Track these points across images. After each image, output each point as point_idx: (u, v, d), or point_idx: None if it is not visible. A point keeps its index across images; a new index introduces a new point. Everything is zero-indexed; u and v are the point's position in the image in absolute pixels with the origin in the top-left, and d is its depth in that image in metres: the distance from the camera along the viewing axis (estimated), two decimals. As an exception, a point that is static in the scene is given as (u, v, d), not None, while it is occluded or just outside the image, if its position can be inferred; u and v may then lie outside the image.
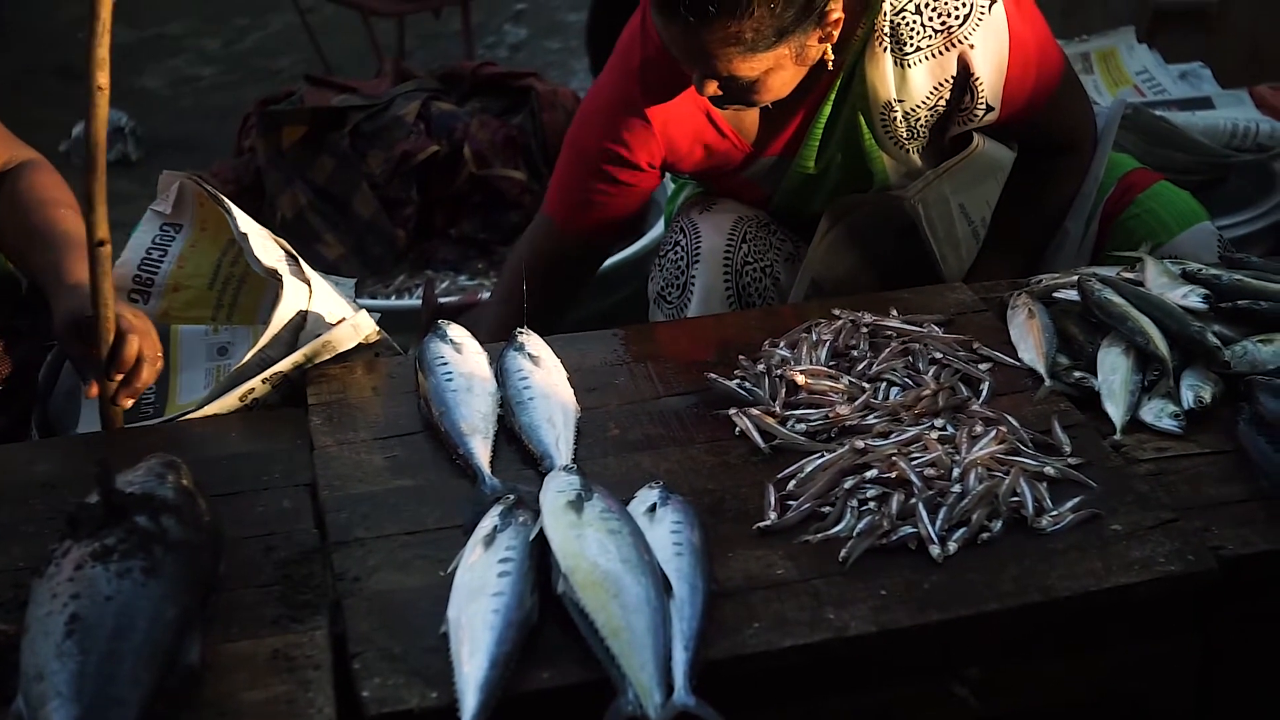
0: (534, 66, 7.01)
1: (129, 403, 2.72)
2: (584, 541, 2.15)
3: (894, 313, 2.92)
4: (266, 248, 2.85)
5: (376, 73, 5.26)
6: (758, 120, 3.15)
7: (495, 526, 2.22)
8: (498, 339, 2.87)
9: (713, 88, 2.92)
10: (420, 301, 4.12)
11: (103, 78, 2.44)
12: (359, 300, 3.31)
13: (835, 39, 2.95)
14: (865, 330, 2.85)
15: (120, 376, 2.68)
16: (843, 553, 2.26)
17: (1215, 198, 4.34)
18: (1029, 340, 2.82)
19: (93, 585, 2.01)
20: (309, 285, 2.81)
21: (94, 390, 2.70)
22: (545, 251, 3.28)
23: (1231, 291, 2.84)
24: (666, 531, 2.24)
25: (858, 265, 3.33)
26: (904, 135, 3.13)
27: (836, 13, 2.89)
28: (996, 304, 2.99)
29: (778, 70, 2.90)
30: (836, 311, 2.91)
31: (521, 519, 2.25)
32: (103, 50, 2.42)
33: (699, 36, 2.82)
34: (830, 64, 2.99)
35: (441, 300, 4.13)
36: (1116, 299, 2.81)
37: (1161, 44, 5.17)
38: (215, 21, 8.08)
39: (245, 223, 2.88)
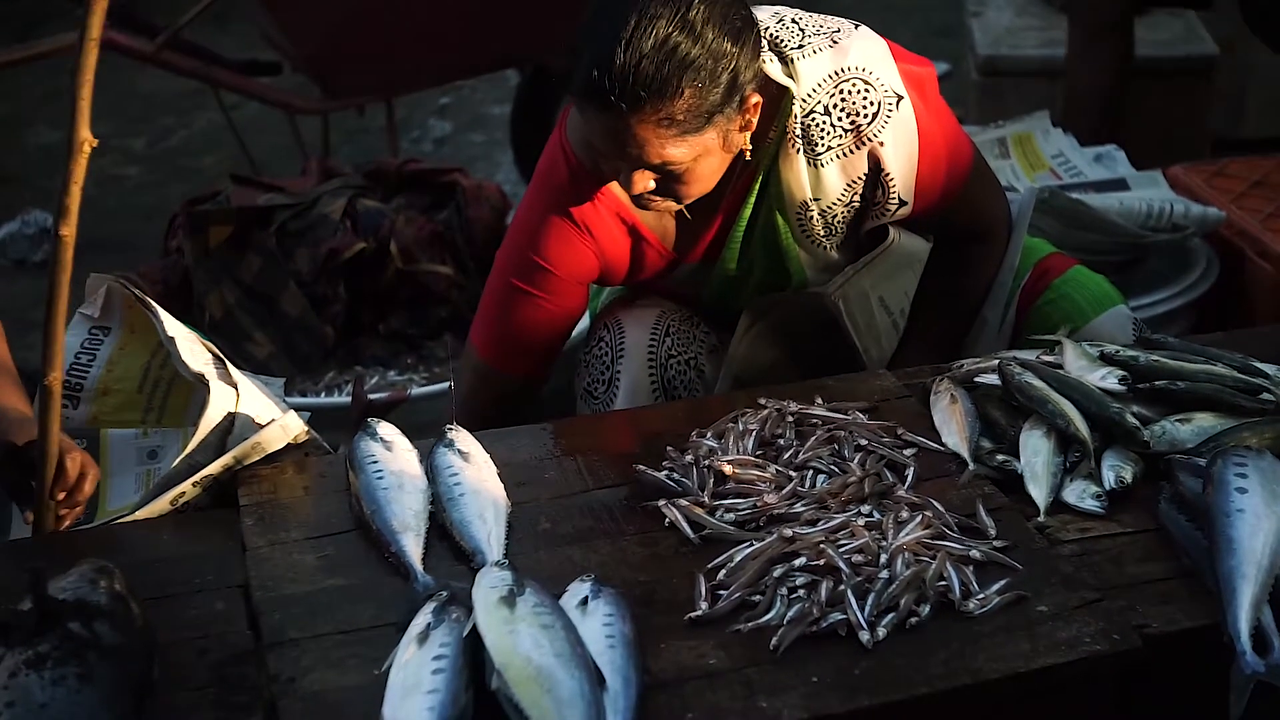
0: (459, 160, 7.03)
1: (69, 521, 2.72)
2: (517, 637, 2.16)
3: (819, 401, 2.95)
4: (194, 351, 2.86)
5: (302, 170, 5.26)
6: (678, 228, 3.18)
7: (429, 624, 2.23)
8: None
9: (644, 180, 2.92)
10: (350, 398, 4.13)
11: (66, 229, 2.47)
12: (288, 399, 3.31)
13: (754, 127, 2.98)
14: (791, 419, 2.87)
15: (63, 496, 2.67)
16: (774, 641, 2.28)
17: (1134, 278, 4.41)
18: (952, 425, 2.85)
19: (27, 693, 2.02)
20: (236, 389, 2.82)
21: (30, 518, 2.69)
22: (487, 399, 3.25)
23: (1149, 372, 2.89)
24: (599, 624, 2.25)
25: (779, 360, 3.35)
26: (821, 233, 3.16)
27: (755, 97, 2.93)
28: (919, 390, 3.02)
29: (706, 156, 2.92)
30: (762, 400, 2.94)
31: (455, 616, 2.25)
32: (69, 200, 2.47)
33: (630, 124, 2.83)
34: (748, 155, 3.02)
35: (371, 396, 4.14)
36: (1036, 382, 2.85)
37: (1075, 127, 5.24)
38: (140, 121, 8.05)
39: (172, 326, 2.89)
